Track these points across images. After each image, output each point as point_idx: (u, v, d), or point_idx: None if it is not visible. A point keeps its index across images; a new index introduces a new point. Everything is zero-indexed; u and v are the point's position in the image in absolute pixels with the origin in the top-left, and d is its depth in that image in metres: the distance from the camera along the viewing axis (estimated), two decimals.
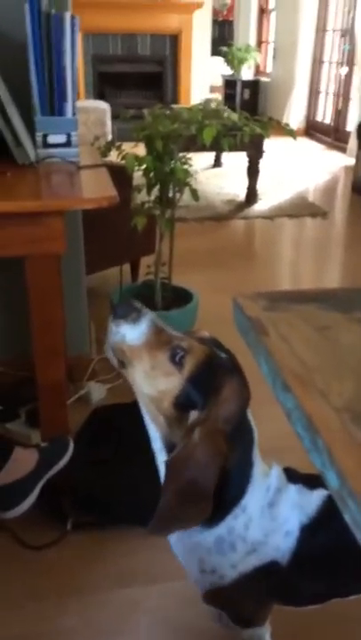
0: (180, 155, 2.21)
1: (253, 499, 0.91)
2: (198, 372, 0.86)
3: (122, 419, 1.78)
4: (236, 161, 4.71)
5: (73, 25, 1.60)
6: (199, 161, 4.98)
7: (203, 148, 2.21)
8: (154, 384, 0.88)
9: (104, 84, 6.94)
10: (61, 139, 1.68)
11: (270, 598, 1.04)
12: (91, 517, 1.57)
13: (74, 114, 1.67)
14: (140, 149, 2.17)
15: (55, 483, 1.46)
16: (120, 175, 2.14)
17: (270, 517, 0.93)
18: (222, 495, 0.88)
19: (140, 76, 7.07)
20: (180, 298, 2.38)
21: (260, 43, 8.67)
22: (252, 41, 8.60)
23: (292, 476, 0.98)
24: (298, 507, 0.94)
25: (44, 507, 1.51)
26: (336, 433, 0.51)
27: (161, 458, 0.93)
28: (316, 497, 0.94)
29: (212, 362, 0.88)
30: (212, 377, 0.87)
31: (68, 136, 1.68)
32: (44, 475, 1.41)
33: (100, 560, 1.51)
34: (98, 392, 2.10)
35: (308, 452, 0.57)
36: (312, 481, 0.96)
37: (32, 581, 1.45)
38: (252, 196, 4.59)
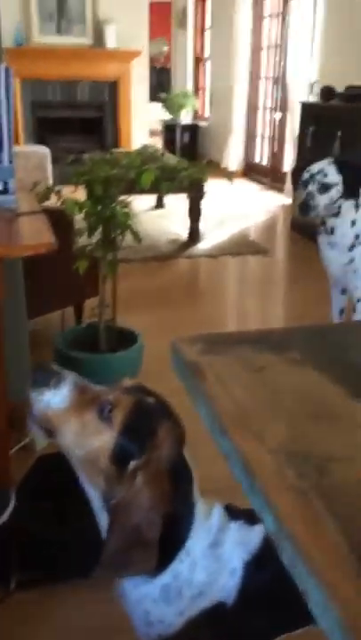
0: (121, 198, 2.25)
1: (197, 540, 0.91)
2: (129, 422, 0.86)
3: (68, 467, 1.73)
4: (179, 201, 4.82)
5: (7, 76, 1.63)
6: (142, 202, 5.06)
7: (143, 191, 2.26)
8: (86, 445, 0.88)
9: (44, 129, 7.01)
10: None
11: None
12: (37, 574, 1.50)
13: (10, 161, 1.68)
14: (81, 193, 2.20)
15: None
16: (61, 219, 2.15)
17: (214, 558, 0.92)
18: (167, 540, 0.87)
19: (80, 121, 7.19)
20: (126, 339, 2.38)
21: (197, 89, 9.01)
22: (190, 87, 8.93)
23: (233, 512, 0.98)
24: (240, 544, 0.93)
25: None
26: (271, 476, 0.52)
27: (102, 517, 0.92)
28: (257, 532, 0.95)
29: (141, 409, 0.88)
30: (144, 424, 0.87)
31: (5, 184, 1.68)
32: None
33: (47, 618, 1.44)
34: (43, 439, 2.05)
35: (246, 494, 0.57)
36: (253, 516, 0.96)
37: None
38: (194, 235, 4.69)
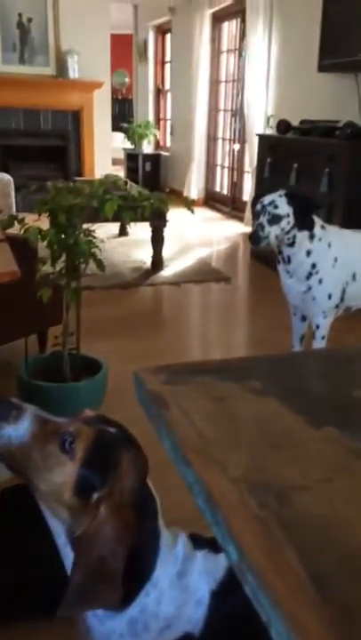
0: (85, 226, 2.26)
1: (163, 571, 0.90)
2: (90, 453, 0.87)
3: (33, 499, 1.70)
4: (142, 229, 4.86)
5: None
6: (105, 230, 5.08)
7: (107, 220, 2.28)
8: (49, 478, 0.87)
9: (7, 157, 7.00)
10: None
11: None
12: (4, 611, 1.46)
13: None
14: (44, 221, 2.20)
15: None
16: (24, 247, 2.15)
17: (180, 588, 0.91)
18: (130, 573, 0.86)
19: (43, 150, 7.21)
20: (90, 368, 2.36)
21: (158, 119, 9.18)
22: (151, 117, 9.09)
23: (198, 540, 0.98)
24: (206, 573, 0.93)
25: None
26: (234, 506, 0.53)
27: (65, 552, 0.90)
28: (222, 560, 0.94)
29: (103, 439, 0.89)
30: (105, 454, 0.87)
31: None
32: None
33: None
34: (5, 471, 2.00)
35: (210, 525, 0.58)
36: (217, 544, 0.96)
37: None
38: (157, 263, 4.73)
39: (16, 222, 2.17)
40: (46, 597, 1.34)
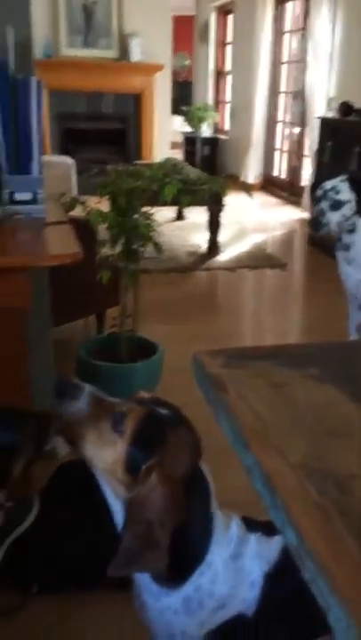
0: (143, 210, 2.28)
1: (217, 553, 0.92)
2: (140, 431, 0.89)
3: (89, 475, 1.75)
4: (199, 214, 4.85)
5: (38, 88, 1.67)
6: (163, 214, 5.11)
7: (165, 203, 2.29)
8: (102, 454, 0.91)
9: (69, 140, 7.11)
10: (27, 196, 1.71)
11: None
12: (57, 581, 1.52)
13: (40, 172, 1.72)
14: (105, 204, 2.23)
15: (20, 544, 1.42)
16: (85, 229, 2.19)
17: (235, 570, 0.93)
18: (185, 552, 0.88)
19: (103, 133, 7.28)
20: (146, 350, 2.40)
21: (217, 102, 9.08)
22: (211, 100, 9.00)
23: (251, 524, 0.99)
24: (260, 556, 0.94)
25: (8, 569, 1.46)
26: (293, 491, 0.53)
27: (120, 520, 0.93)
28: (275, 544, 0.96)
29: (152, 419, 0.91)
30: (154, 432, 0.90)
31: (34, 193, 1.72)
32: (8, 536, 1.37)
33: (66, 625, 1.46)
34: (64, 447, 2.07)
35: (268, 509, 0.59)
36: (270, 528, 0.97)
37: None
38: (213, 248, 4.71)
39: (78, 205, 2.21)
40: (101, 569, 1.39)
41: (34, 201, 1.73)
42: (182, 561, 0.89)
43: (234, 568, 0.93)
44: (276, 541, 0.95)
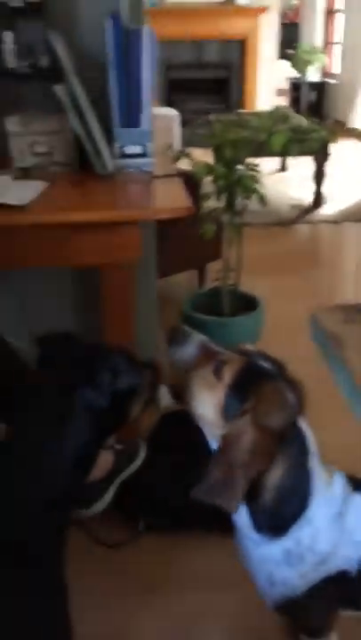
0: (248, 161, 2.23)
1: (319, 509, 0.92)
2: (236, 379, 0.93)
3: (191, 424, 1.81)
4: (303, 164, 4.67)
5: (151, 39, 1.66)
6: (265, 165, 4.98)
7: (271, 154, 2.23)
8: (204, 398, 0.96)
9: (172, 91, 7.04)
10: (137, 149, 1.73)
11: (339, 607, 1.05)
12: (162, 521, 1.61)
13: (149, 125, 1.73)
14: (207, 156, 2.21)
15: (128, 484, 1.51)
16: (189, 182, 2.19)
17: (338, 528, 0.93)
18: (281, 505, 0.91)
19: (206, 82, 7.12)
20: (247, 304, 2.40)
21: (326, 44, 8.53)
22: (319, 42, 8.48)
23: (358, 483, 0.98)
24: None
25: (118, 508, 1.56)
26: None
27: None
28: None
29: (251, 369, 0.94)
30: (251, 382, 0.93)
31: (144, 147, 1.73)
32: (118, 476, 1.46)
33: (172, 563, 1.54)
34: (166, 397, 2.14)
35: None
36: None
37: (103, 578, 1.51)
38: (318, 200, 4.54)
39: (184, 157, 2.21)
40: (210, 512, 1.45)
41: (143, 154, 1.75)
42: (280, 513, 0.91)
43: (338, 526, 0.93)
44: None
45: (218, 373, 0.94)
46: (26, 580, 0.99)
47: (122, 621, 1.41)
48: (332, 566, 0.94)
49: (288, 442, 0.91)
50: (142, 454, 1.52)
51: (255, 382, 0.92)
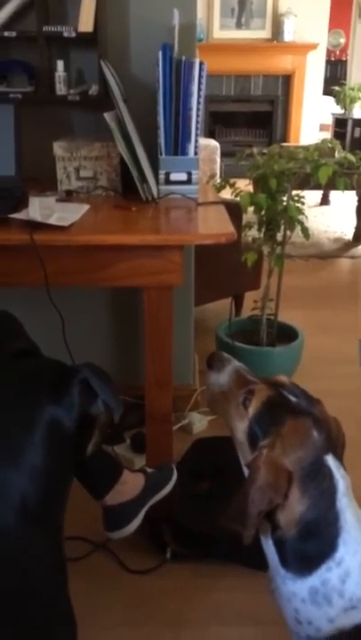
0: (293, 193, 2.23)
1: (348, 552, 0.89)
2: (260, 410, 0.95)
3: (223, 452, 1.78)
4: (345, 199, 4.65)
5: (201, 71, 1.69)
6: (307, 199, 4.99)
7: (316, 187, 2.22)
8: (235, 426, 0.99)
9: (215, 123, 7.16)
10: (183, 176, 1.75)
11: None
12: (190, 549, 1.57)
13: (196, 153, 1.75)
14: (250, 187, 2.22)
15: (157, 510, 1.48)
16: (231, 211, 2.20)
17: None
18: (306, 544, 0.89)
19: (250, 115, 7.22)
20: (285, 335, 2.36)
21: None
22: None
23: None
24: None
25: (146, 533, 1.54)
26: None
27: None
28: None
29: (275, 402, 0.95)
30: (272, 414, 0.94)
31: (189, 174, 1.75)
32: (149, 500, 1.43)
33: (198, 593, 1.50)
34: (199, 423, 2.12)
35: None
36: None
37: (127, 606, 1.47)
38: (360, 235, 4.50)
39: (227, 186, 2.22)
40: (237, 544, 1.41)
41: (188, 181, 1.76)
42: (304, 551, 0.90)
43: None
44: None
45: (245, 402, 0.97)
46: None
47: None
48: None
49: (310, 479, 0.89)
50: (173, 479, 1.50)
51: (276, 417, 0.93)
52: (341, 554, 0.89)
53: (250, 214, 2.24)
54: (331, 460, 0.92)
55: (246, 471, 0.97)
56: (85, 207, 1.58)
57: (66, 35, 1.79)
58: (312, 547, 0.89)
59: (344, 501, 0.90)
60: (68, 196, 1.73)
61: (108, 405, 0.98)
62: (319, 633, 0.92)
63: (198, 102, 1.71)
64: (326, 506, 0.90)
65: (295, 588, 0.92)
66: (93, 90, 1.87)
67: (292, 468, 0.89)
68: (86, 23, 1.77)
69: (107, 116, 1.63)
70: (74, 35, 1.78)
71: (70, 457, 0.98)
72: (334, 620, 0.90)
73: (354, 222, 4.53)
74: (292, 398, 0.96)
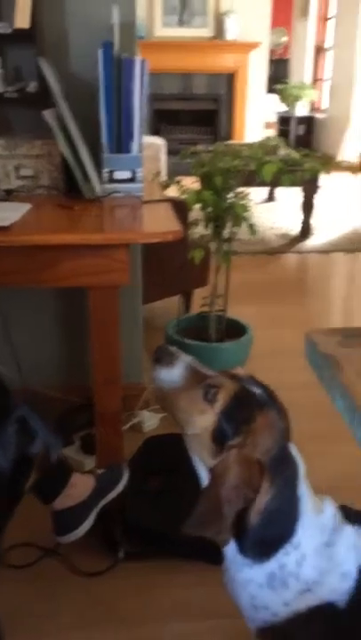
0: (239, 190, 2.25)
1: (306, 536, 0.90)
2: (229, 405, 0.91)
3: (174, 449, 1.78)
4: (290, 195, 4.74)
5: (142, 68, 1.68)
6: (253, 195, 5.05)
7: (261, 184, 2.25)
8: (193, 422, 0.94)
9: (160, 121, 7.15)
10: (127, 175, 1.74)
11: None
12: (143, 548, 1.57)
13: (139, 151, 1.74)
14: (196, 185, 2.22)
15: (109, 510, 1.47)
16: (177, 209, 2.20)
17: (326, 557, 0.91)
18: (267, 529, 0.89)
19: (194, 113, 7.26)
20: (234, 330, 2.39)
21: (315, 80, 8.77)
22: (308, 78, 8.71)
23: (350, 514, 0.96)
24: (356, 548, 0.92)
25: (97, 534, 1.52)
26: None
27: None
28: None
29: (243, 396, 0.92)
30: (242, 410, 0.91)
31: (134, 172, 1.74)
32: (99, 501, 1.42)
33: (152, 591, 1.50)
34: (150, 421, 2.12)
35: None
36: None
37: (81, 609, 1.45)
38: (306, 230, 4.59)
39: (173, 184, 2.22)
40: (190, 539, 1.41)
41: (133, 179, 1.75)
42: (265, 537, 0.90)
43: (326, 555, 0.91)
44: None
45: (208, 397, 0.93)
46: None
47: None
48: (319, 596, 0.91)
49: (277, 470, 0.89)
50: (124, 479, 1.49)
51: (246, 412, 0.90)
52: (299, 537, 0.90)
53: (196, 211, 2.25)
54: (292, 447, 0.93)
55: (203, 470, 0.95)
56: (27, 206, 1.55)
57: (1, 31, 1.74)
58: (272, 532, 0.90)
59: (303, 487, 0.92)
60: (8, 196, 1.70)
61: (46, 445, 0.95)
62: (275, 617, 0.93)
63: (141, 100, 1.70)
64: (290, 492, 0.91)
65: (252, 575, 0.93)
66: (32, 87, 1.83)
67: (264, 460, 0.89)
68: (23, 19, 1.74)
69: (46, 113, 1.60)
70: (10, 31, 1.74)
71: (5, 497, 0.95)
72: (290, 603, 0.91)
73: (299, 218, 4.62)
74: (256, 390, 0.94)
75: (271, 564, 0.91)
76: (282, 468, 0.90)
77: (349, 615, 0.91)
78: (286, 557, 0.90)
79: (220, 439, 0.90)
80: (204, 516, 0.88)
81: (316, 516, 0.92)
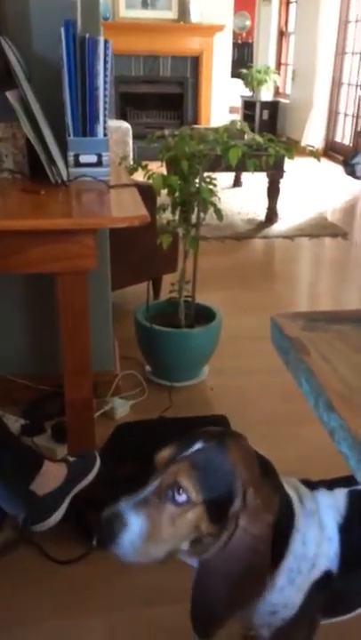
0: (205, 174, 2.24)
1: (300, 516, 0.93)
2: (200, 480, 0.82)
3: (146, 435, 1.78)
4: (256, 180, 4.75)
5: (106, 49, 1.65)
6: (220, 180, 5.04)
7: (227, 169, 2.24)
8: (186, 530, 0.84)
9: (126, 105, 7.06)
10: (92, 158, 1.71)
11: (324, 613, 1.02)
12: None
13: (105, 135, 1.71)
14: (163, 169, 2.21)
15: (81, 498, 1.47)
16: (145, 194, 2.18)
17: (316, 526, 0.93)
18: (276, 536, 0.86)
19: (160, 97, 7.18)
20: (204, 316, 2.39)
21: (279, 64, 8.78)
22: (272, 63, 8.71)
23: (310, 484, 1.00)
24: (329, 507, 0.95)
25: (70, 522, 1.52)
26: None
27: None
28: (340, 495, 0.96)
29: (202, 461, 0.84)
30: (215, 470, 0.84)
31: (99, 156, 1.71)
32: (72, 489, 1.42)
33: (127, 578, 1.50)
34: (122, 408, 2.11)
35: (353, 471, 0.57)
36: (329, 484, 0.99)
37: (57, 597, 1.45)
38: (272, 215, 4.62)
39: (140, 169, 2.20)
40: None
41: (99, 163, 1.73)
42: (274, 542, 0.86)
43: (314, 524, 0.93)
44: (340, 493, 0.97)
45: (179, 500, 0.83)
46: None
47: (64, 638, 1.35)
48: (320, 567, 0.93)
49: (269, 487, 0.87)
50: (97, 467, 1.49)
51: (219, 468, 0.83)
52: (297, 521, 0.92)
53: (164, 196, 2.23)
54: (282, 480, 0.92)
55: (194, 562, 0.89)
56: None
57: None
58: (279, 536, 0.88)
59: (285, 484, 0.93)
60: None
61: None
62: (292, 610, 0.92)
63: (105, 82, 1.67)
64: (285, 501, 0.91)
65: (276, 584, 0.91)
66: None
67: (267, 496, 0.85)
68: None
69: (9, 95, 1.56)
70: None
71: None
72: (301, 587, 0.92)
73: (265, 203, 4.64)
74: (200, 446, 0.85)
75: (288, 561, 0.90)
76: (269, 481, 0.88)
77: (341, 577, 0.94)
78: (295, 544, 0.91)
79: (217, 514, 0.83)
80: (236, 593, 0.84)
81: (295, 496, 0.94)
